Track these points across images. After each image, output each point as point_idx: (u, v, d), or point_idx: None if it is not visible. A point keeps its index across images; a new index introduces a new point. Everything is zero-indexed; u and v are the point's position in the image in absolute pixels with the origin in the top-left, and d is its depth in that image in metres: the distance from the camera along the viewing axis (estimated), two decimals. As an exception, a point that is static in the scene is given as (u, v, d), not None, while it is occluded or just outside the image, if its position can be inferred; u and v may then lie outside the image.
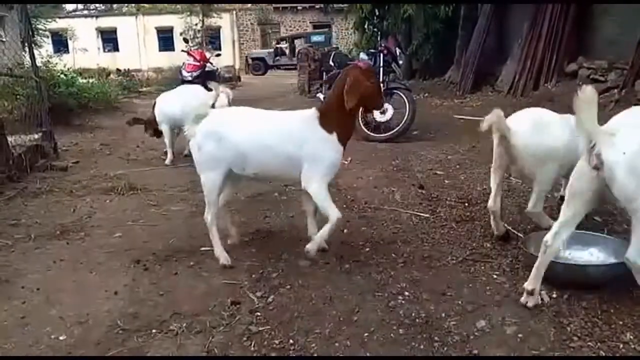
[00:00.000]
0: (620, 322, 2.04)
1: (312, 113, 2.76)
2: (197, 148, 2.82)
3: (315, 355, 1.98)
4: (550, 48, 8.31)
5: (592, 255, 2.51)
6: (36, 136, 5.59)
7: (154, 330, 2.20)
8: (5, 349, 2.08)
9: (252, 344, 2.08)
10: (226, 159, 2.77)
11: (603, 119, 6.21)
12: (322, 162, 2.69)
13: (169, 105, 5.55)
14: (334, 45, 20.91)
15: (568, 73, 8.04)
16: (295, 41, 23.99)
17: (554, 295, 2.26)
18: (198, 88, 5.86)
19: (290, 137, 2.72)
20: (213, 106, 5.29)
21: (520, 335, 2.01)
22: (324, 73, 9.31)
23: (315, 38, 23.70)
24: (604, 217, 3.18)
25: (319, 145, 2.69)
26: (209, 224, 2.89)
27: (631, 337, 1.94)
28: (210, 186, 2.84)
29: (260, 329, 2.19)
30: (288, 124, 2.81)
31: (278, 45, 25.58)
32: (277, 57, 24.86)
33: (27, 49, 6.01)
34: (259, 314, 2.31)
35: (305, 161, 2.70)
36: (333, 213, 2.67)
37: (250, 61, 25.50)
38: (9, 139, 4.88)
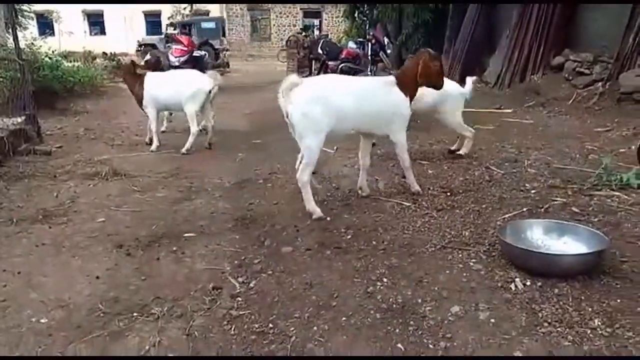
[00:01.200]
0: (590, 309, 2.10)
1: (391, 79, 3.51)
2: (301, 114, 3.14)
3: (293, 338, 2.02)
4: (537, 40, 8.37)
5: (566, 244, 2.57)
6: (19, 120, 5.51)
7: (135, 314, 2.23)
8: (-15, 331, 2.10)
9: (233, 328, 2.12)
10: (330, 121, 3.19)
11: (589, 112, 6.24)
12: (402, 116, 3.46)
13: (160, 88, 5.41)
14: (324, 33, 20.76)
15: (554, 66, 8.10)
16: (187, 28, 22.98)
17: (528, 283, 2.32)
18: (195, 73, 5.70)
19: (379, 97, 3.41)
20: (209, 92, 5.31)
21: (492, 320, 2.06)
22: (313, 61, 9.29)
23: (205, 25, 22.80)
24: (581, 207, 3.25)
25: (399, 103, 3.43)
26: (305, 182, 3.24)
27: (599, 323, 2.01)
28: (316, 147, 3.21)
29: (241, 313, 2.22)
30: (375, 87, 3.48)
31: (168, 32, 24.42)
32: (168, 44, 23.71)
33: (10, 30, 5.92)
34: (240, 298, 2.34)
35: (388, 116, 3.42)
36: (407, 159, 3.59)
37: (141, 47, 23.92)
38: (-8, 122, 4.83)
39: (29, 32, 12.59)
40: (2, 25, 7.66)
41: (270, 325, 2.13)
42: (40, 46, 9.41)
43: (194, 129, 5.29)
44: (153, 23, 29.59)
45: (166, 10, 26.64)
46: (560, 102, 7.18)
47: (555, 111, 6.89)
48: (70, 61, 11.01)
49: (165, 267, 2.69)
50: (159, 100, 5.41)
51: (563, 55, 7.95)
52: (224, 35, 23.90)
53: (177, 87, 5.35)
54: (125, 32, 29.52)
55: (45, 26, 25.19)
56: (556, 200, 3.39)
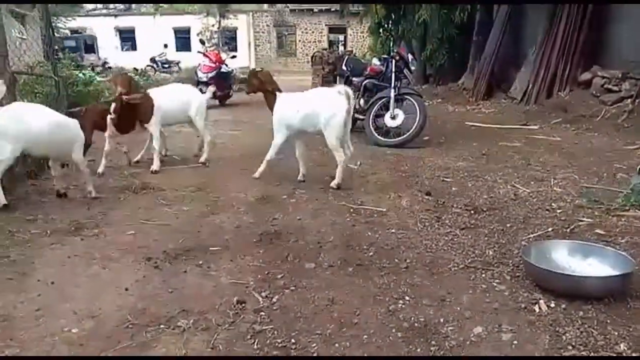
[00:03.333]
0: (616, 333, 2.08)
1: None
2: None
3: (316, 355, 2.05)
4: (564, 56, 8.31)
5: (591, 265, 2.54)
6: (54, 134, 5.70)
7: (162, 326, 2.28)
8: (21, 340, 2.18)
9: (256, 342, 2.15)
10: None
11: (617, 130, 6.17)
12: None
13: (159, 101, 5.30)
14: (349, 49, 20.90)
15: (582, 82, 8.02)
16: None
17: (552, 305, 2.30)
18: (189, 88, 5.95)
19: None
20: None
21: (515, 342, 2.05)
22: (338, 77, 9.37)
23: (68, 43, 22.79)
24: (607, 229, 3.21)
25: None
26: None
27: (625, 347, 1.98)
28: None
29: (264, 328, 2.26)
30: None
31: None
32: None
33: (47, 47, 6.17)
34: (263, 313, 2.38)
35: None
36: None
37: None
38: (28, 136, 5.01)
39: (64, 49, 13.08)
40: (39, 42, 7.96)
41: (293, 340, 2.16)
42: (73, 61, 9.77)
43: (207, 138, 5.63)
44: (182, 39, 30.42)
45: (195, 26, 27.30)
46: (588, 119, 7.08)
47: (582, 128, 6.80)
48: (103, 77, 11.36)
49: (192, 280, 2.75)
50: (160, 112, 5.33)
51: (591, 72, 7.87)
52: (92, 52, 24.13)
53: (163, 100, 5.34)
54: (157, 49, 30.37)
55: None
56: (582, 221, 3.36)
